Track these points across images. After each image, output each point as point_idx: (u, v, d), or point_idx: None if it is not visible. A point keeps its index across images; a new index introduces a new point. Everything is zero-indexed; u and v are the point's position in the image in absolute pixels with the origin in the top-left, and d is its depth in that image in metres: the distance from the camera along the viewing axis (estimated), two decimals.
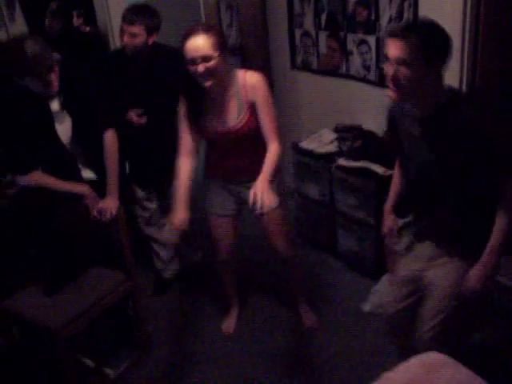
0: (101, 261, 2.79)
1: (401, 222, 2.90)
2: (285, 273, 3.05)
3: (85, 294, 2.61)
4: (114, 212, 2.64)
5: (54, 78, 2.47)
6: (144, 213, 3.30)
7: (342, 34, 3.66)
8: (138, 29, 2.82)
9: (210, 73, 2.27)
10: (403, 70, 1.76)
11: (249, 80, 2.42)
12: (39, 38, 2.44)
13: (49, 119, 2.58)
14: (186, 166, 2.53)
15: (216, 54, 2.25)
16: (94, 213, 2.64)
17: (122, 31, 2.87)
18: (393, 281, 2.34)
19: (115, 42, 4.00)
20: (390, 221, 2.35)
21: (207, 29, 2.27)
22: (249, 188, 2.57)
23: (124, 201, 2.78)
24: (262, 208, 2.16)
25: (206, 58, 2.24)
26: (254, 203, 2.16)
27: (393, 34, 1.77)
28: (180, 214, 2.45)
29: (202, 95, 2.42)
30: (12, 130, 2.56)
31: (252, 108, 2.44)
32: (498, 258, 1.91)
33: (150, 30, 2.87)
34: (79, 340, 2.72)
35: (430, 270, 2.09)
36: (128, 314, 3.00)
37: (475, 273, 1.93)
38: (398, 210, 2.35)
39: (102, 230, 2.73)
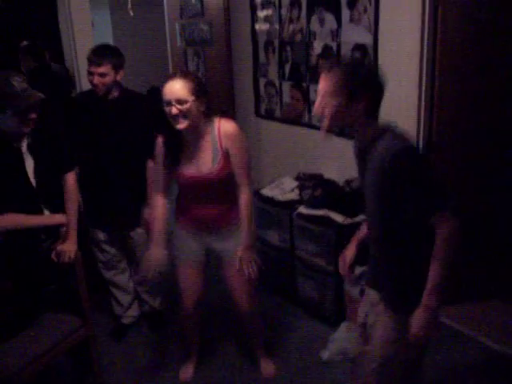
0: (57, 305, 2.73)
1: (360, 269, 2.96)
2: (243, 324, 3.01)
3: (39, 340, 2.54)
4: (72, 256, 2.61)
5: (34, 117, 2.44)
6: (103, 256, 3.27)
7: (304, 84, 3.77)
8: (105, 68, 2.87)
9: (183, 115, 2.36)
10: (328, 102, 1.85)
11: (223, 127, 2.50)
12: (22, 76, 2.44)
13: (19, 161, 2.54)
14: (161, 203, 2.64)
15: (191, 99, 2.35)
16: (52, 255, 2.60)
17: (89, 73, 2.91)
18: (353, 327, 2.34)
19: (81, 81, 4.06)
20: (347, 251, 2.32)
21: (185, 74, 2.42)
22: (218, 237, 2.66)
23: (83, 244, 2.75)
24: (250, 276, 2.57)
25: (180, 101, 2.34)
26: (242, 270, 2.56)
27: (321, 70, 1.91)
28: (157, 250, 2.59)
29: (179, 140, 2.50)
30: None
31: (226, 155, 2.49)
32: (438, 300, 1.85)
33: (117, 68, 2.93)
34: None
35: (370, 315, 2.09)
36: (83, 360, 2.92)
37: (416, 319, 1.88)
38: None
39: (60, 274, 2.69)
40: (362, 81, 1.86)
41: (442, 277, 1.83)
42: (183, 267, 2.76)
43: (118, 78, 2.96)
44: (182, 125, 2.38)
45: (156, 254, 2.59)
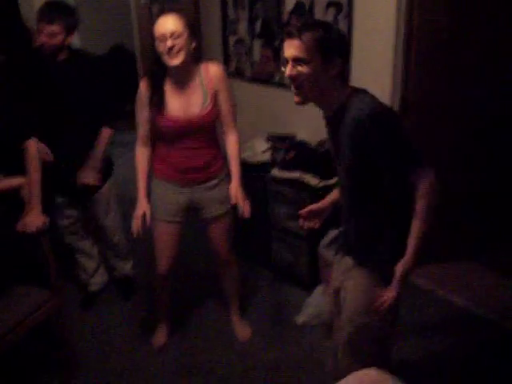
0: (22, 277, 2.63)
1: (335, 232, 2.93)
2: (222, 280, 3.00)
3: (5, 315, 2.43)
4: (39, 225, 2.49)
5: None
6: (65, 221, 3.13)
7: (276, 42, 3.65)
8: (57, 27, 2.67)
9: (178, 49, 2.34)
10: (301, 69, 1.75)
11: (211, 69, 2.52)
12: None
13: None
14: (144, 156, 2.62)
15: (185, 33, 2.35)
16: (18, 226, 2.49)
17: (38, 30, 2.71)
18: (327, 291, 2.30)
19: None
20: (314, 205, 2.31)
21: (178, 12, 2.41)
22: (201, 188, 2.64)
23: (46, 211, 2.64)
24: (245, 214, 2.54)
25: (175, 34, 2.32)
26: (238, 210, 2.53)
27: (289, 34, 1.77)
28: (143, 204, 2.56)
29: (164, 82, 2.48)
30: None
31: (215, 97, 2.51)
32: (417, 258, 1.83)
33: (69, 29, 2.74)
34: (1, 364, 2.55)
35: (346, 281, 2.06)
36: (53, 332, 2.84)
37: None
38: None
39: (25, 244, 2.59)
40: (334, 44, 1.77)
41: (424, 234, 1.80)
42: (160, 223, 2.69)
43: (69, 40, 2.77)
44: (177, 60, 2.36)
45: (142, 209, 2.54)
